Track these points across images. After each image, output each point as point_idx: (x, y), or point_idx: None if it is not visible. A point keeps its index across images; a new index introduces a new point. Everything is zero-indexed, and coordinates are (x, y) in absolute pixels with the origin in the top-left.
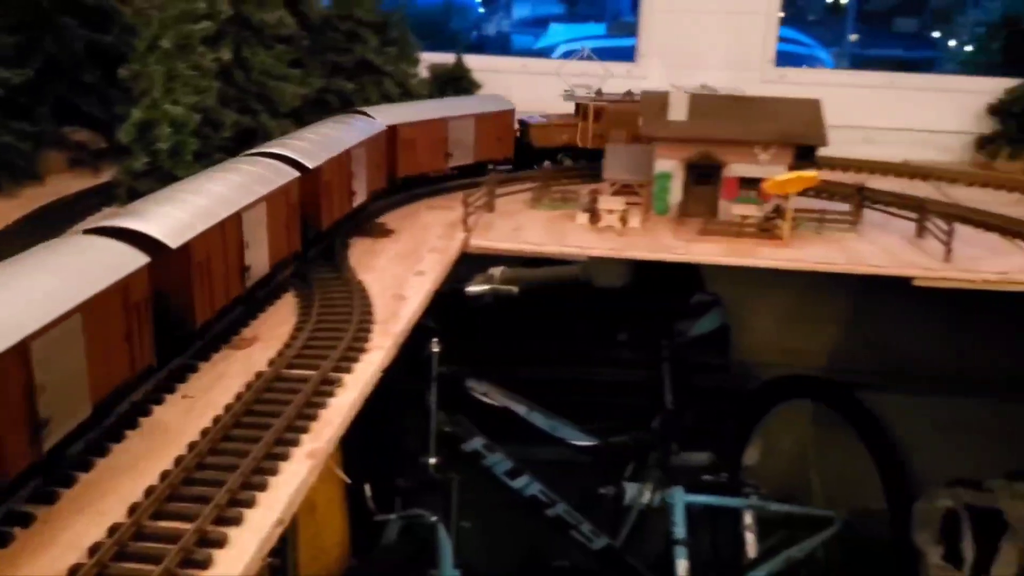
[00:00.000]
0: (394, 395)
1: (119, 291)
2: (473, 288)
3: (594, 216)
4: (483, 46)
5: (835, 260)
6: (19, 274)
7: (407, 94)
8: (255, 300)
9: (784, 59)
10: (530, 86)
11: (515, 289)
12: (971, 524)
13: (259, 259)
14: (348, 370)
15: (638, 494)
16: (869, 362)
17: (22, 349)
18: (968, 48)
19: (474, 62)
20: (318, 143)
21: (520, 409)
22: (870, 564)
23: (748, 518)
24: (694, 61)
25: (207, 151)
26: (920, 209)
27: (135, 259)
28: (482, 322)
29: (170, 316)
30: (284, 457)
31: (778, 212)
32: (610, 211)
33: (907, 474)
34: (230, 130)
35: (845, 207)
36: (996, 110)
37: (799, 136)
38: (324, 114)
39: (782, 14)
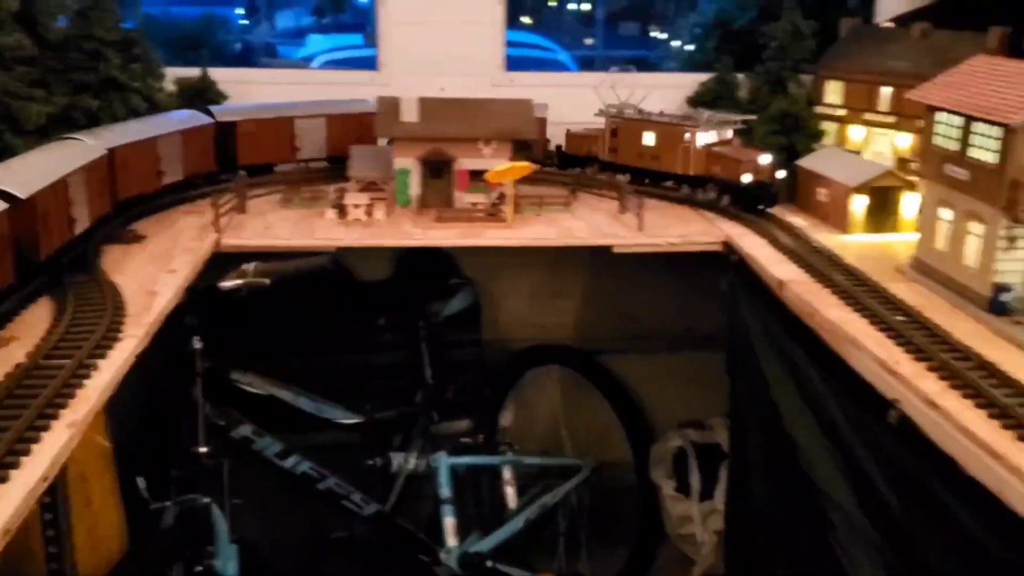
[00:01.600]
0: (163, 394)
1: None
2: (226, 283)
3: (342, 211)
4: (248, 58)
5: (550, 236)
6: None
7: (154, 108)
8: None
9: (529, 63)
10: (283, 96)
11: (267, 281)
12: (696, 458)
13: None
14: (103, 356)
15: (404, 462)
16: (610, 329)
17: None
18: (689, 47)
19: (220, 75)
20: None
21: (286, 395)
22: (617, 503)
23: (507, 473)
24: (432, 68)
25: None
26: (619, 190)
27: None
28: (247, 317)
29: None
30: (45, 428)
31: (502, 198)
32: (356, 206)
33: (645, 423)
34: None
35: (562, 191)
36: (693, 101)
37: (514, 132)
38: (72, 131)
39: (530, 21)
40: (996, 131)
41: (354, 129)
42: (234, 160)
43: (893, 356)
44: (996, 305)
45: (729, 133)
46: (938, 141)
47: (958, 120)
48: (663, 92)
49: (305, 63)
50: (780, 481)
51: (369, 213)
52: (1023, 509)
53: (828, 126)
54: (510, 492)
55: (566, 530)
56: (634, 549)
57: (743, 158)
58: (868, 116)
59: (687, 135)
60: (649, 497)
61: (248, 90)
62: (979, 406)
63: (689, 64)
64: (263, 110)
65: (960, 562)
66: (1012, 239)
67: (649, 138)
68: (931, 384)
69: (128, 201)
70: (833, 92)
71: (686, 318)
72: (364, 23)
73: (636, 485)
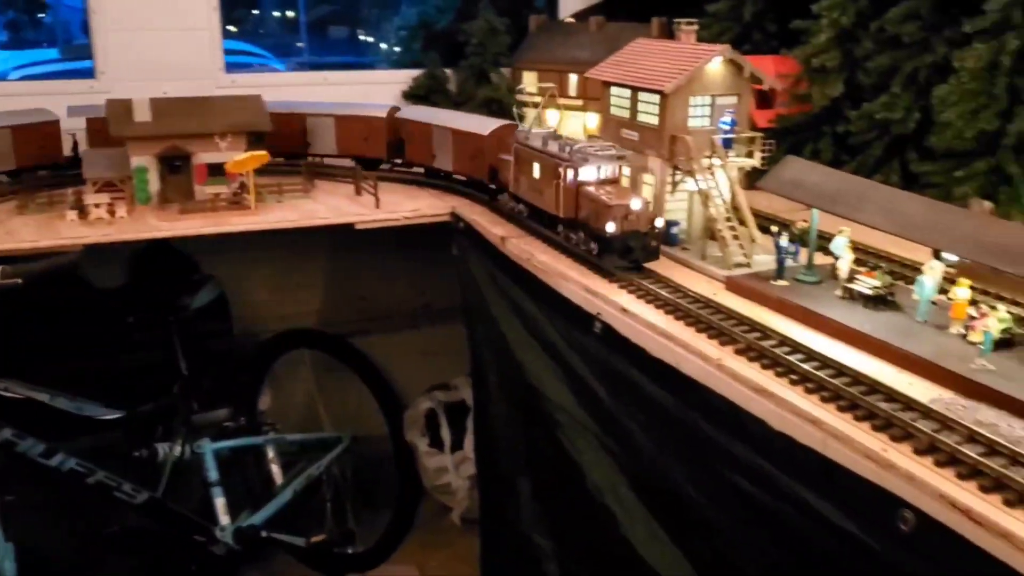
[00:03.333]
0: None
1: None
2: None
3: (83, 212)
4: None
5: (293, 218)
6: None
7: None
8: None
9: (242, 69)
10: None
11: (19, 280)
12: (446, 416)
13: None
14: None
15: (169, 451)
16: (354, 312)
17: None
18: (397, 49)
19: None
20: None
21: (43, 397)
22: (378, 469)
23: (271, 452)
24: (153, 74)
25: None
26: (355, 173)
27: None
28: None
29: None
30: None
31: (243, 188)
32: (97, 205)
33: (395, 394)
34: None
35: (301, 179)
36: (407, 95)
37: (248, 124)
38: None
39: (235, 29)
40: (655, 98)
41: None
42: None
43: (593, 282)
44: (670, 237)
45: (613, 169)
46: (614, 111)
47: (627, 92)
48: (379, 88)
49: None
50: (514, 401)
51: (111, 212)
52: (692, 373)
53: (528, 111)
54: (276, 469)
55: (332, 497)
56: (397, 508)
57: (609, 201)
58: (561, 100)
59: (561, 170)
60: (406, 459)
61: None
62: (658, 307)
63: (399, 64)
64: None
65: (653, 428)
66: (674, 184)
67: (536, 170)
68: (623, 298)
69: None
70: (529, 81)
71: (424, 295)
72: (52, 38)
73: (393, 450)
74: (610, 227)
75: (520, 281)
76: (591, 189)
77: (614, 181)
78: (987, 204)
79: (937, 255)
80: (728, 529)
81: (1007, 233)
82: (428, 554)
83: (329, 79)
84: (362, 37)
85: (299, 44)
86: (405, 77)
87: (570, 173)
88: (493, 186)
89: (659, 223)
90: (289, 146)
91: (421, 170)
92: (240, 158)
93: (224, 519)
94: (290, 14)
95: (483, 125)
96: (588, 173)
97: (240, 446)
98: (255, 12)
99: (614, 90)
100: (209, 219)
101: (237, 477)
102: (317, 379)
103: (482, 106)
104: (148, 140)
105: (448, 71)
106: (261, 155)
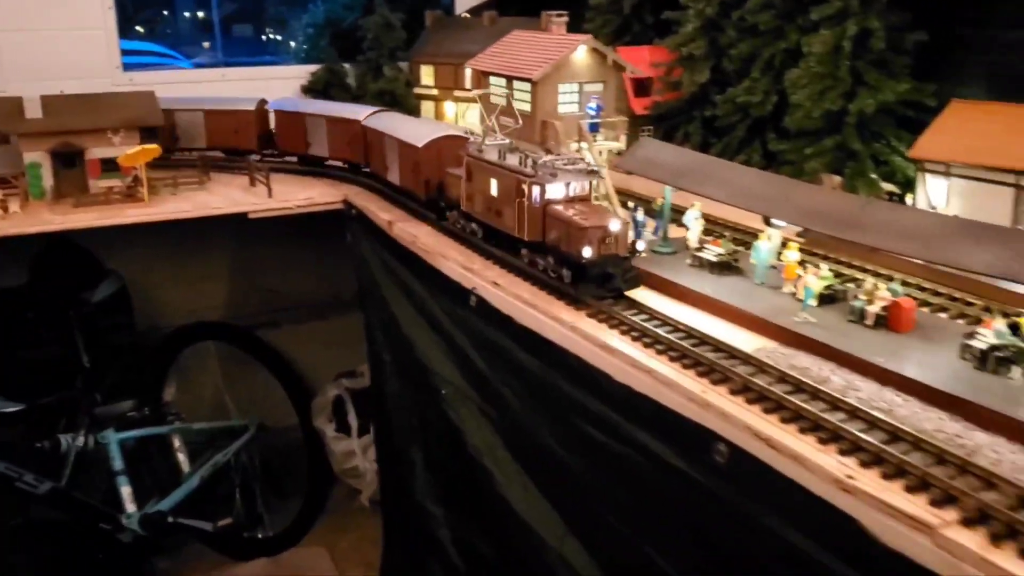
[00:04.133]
0: None
1: None
2: None
3: None
4: None
5: (187, 209)
6: None
7: None
8: None
9: (148, 69)
10: None
11: None
12: (352, 402)
13: None
14: None
15: (72, 441)
16: (262, 304)
17: None
18: (305, 47)
19: None
20: None
21: None
22: (289, 456)
23: (176, 441)
24: (48, 73)
25: None
26: (249, 165)
27: None
28: None
29: None
30: None
31: (137, 181)
32: None
33: (303, 383)
34: None
35: (196, 172)
36: (306, 89)
37: (141, 120)
38: None
39: (142, 30)
40: (527, 86)
41: None
42: None
43: (469, 259)
44: None
45: (583, 185)
46: (494, 99)
47: (503, 81)
48: (281, 83)
49: None
50: (406, 377)
51: (4, 207)
52: (552, 337)
53: (427, 104)
54: (182, 457)
55: (241, 484)
56: (308, 493)
57: (584, 223)
58: (457, 93)
59: (524, 187)
60: (315, 446)
61: None
62: (526, 279)
63: (307, 61)
64: None
65: (523, 391)
66: None
67: (495, 187)
68: (493, 273)
69: None
70: (426, 75)
71: (331, 287)
72: None
73: (303, 438)
74: (586, 252)
75: (408, 263)
76: (560, 208)
77: (584, 199)
78: (836, 179)
79: (767, 222)
80: (586, 477)
81: (829, 201)
82: (338, 536)
83: (228, 75)
84: (273, 36)
85: (205, 44)
86: (303, 72)
87: (535, 190)
88: (441, 204)
89: (640, 246)
90: (294, 146)
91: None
92: (132, 152)
93: (130, 507)
94: (201, 15)
95: (419, 134)
96: (556, 190)
97: (145, 436)
98: (165, 13)
99: (492, 79)
100: (103, 212)
101: (144, 467)
102: (224, 370)
103: (376, 98)
104: (40, 136)
105: (347, 65)
106: (153, 149)
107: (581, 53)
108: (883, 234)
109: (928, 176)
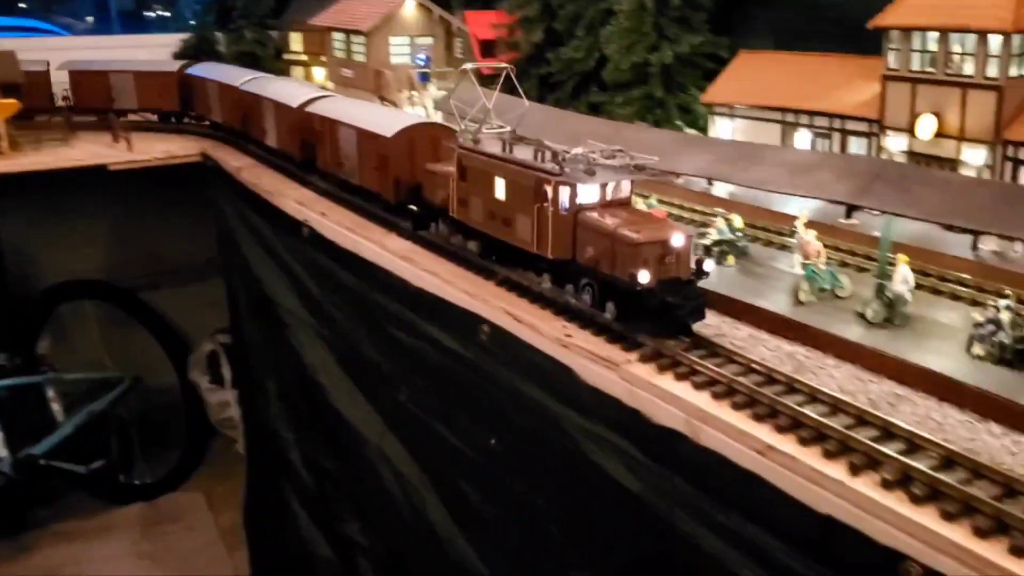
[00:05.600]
0: None
1: None
2: None
3: None
4: None
5: (47, 161)
6: None
7: None
8: None
9: None
10: None
11: None
12: (226, 355)
13: None
14: None
15: None
16: (145, 266)
17: None
18: (192, 22)
19: None
20: None
21: None
22: (170, 410)
23: (50, 391)
24: None
25: None
26: (111, 120)
27: None
28: None
29: None
30: None
31: None
32: None
33: (181, 340)
34: None
35: (61, 129)
36: (177, 55)
37: (1, 76)
38: None
39: (24, 6)
40: (361, 38)
41: None
42: None
43: (303, 195)
44: None
45: (626, 186)
46: (335, 52)
47: (342, 35)
48: (149, 51)
49: None
50: (258, 314)
51: None
52: (367, 255)
53: (297, 70)
54: (56, 407)
55: (118, 433)
56: (186, 444)
57: (638, 236)
58: (324, 58)
59: (547, 188)
60: (193, 401)
61: None
62: (347, 208)
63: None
64: None
65: (347, 308)
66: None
67: (500, 189)
68: (323, 206)
69: None
70: (295, 41)
71: (212, 251)
72: None
73: (182, 393)
74: (643, 277)
75: (256, 207)
76: (597, 216)
77: (626, 203)
78: (645, 126)
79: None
80: (397, 376)
81: (593, 128)
82: (215, 482)
83: (101, 44)
84: (161, 13)
85: (88, 19)
86: (176, 40)
87: (563, 193)
88: (417, 210)
89: (708, 266)
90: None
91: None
92: None
93: (2, 451)
94: None
95: (383, 122)
96: (590, 193)
97: (16, 385)
98: None
99: (335, 35)
100: None
101: (19, 415)
102: (103, 328)
103: (236, 59)
104: None
105: (219, 33)
106: (10, 103)
107: (410, 8)
108: (630, 149)
109: (717, 118)
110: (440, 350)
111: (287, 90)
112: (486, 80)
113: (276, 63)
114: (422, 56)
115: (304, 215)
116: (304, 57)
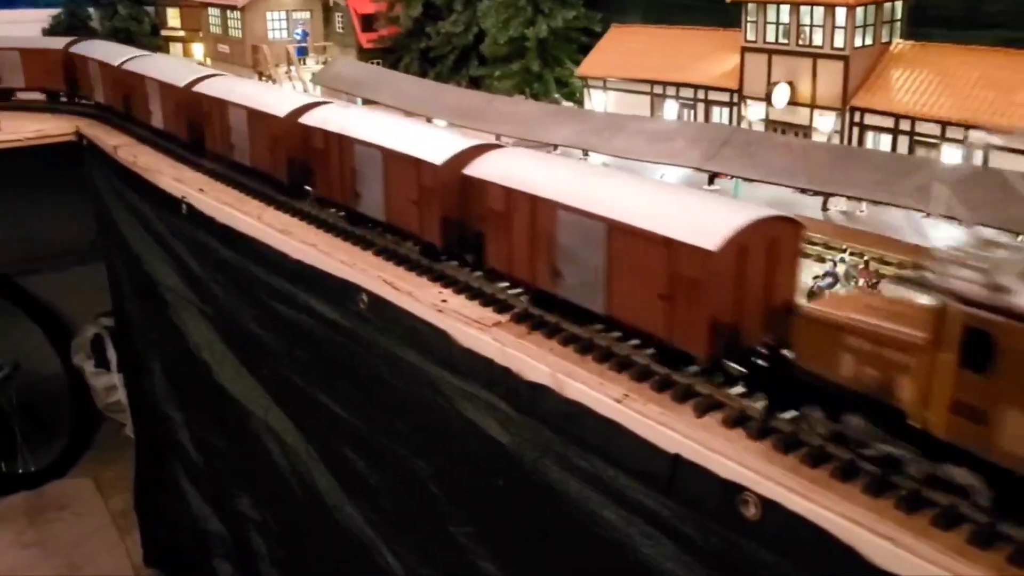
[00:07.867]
0: None
1: None
2: None
3: None
4: None
5: None
6: None
7: None
8: None
9: None
10: None
11: None
12: (111, 339)
13: None
14: None
15: None
16: (25, 252)
17: None
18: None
19: None
20: None
21: None
22: (53, 396)
23: None
24: None
25: None
26: None
27: None
28: None
29: None
30: None
31: None
32: None
33: (65, 325)
34: None
35: None
36: (47, 31)
37: None
38: None
39: None
40: (237, 13)
41: None
42: None
43: (178, 172)
44: None
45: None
46: (211, 29)
47: (217, 11)
48: (23, 27)
49: None
50: (140, 292)
51: None
52: (244, 230)
53: (175, 46)
54: None
55: None
56: (72, 430)
57: None
58: (202, 34)
59: None
60: (78, 387)
61: None
62: (227, 185)
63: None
64: None
65: (227, 284)
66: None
67: None
68: (202, 181)
69: None
70: (173, 17)
71: (91, 234)
72: None
73: (67, 379)
74: None
75: (134, 186)
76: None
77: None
78: (521, 99)
79: (430, 120)
80: (280, 349)
81: (468, 100)
82: (104, 467)
83: None
84: None
85: None
86: (46, 15)
87: None
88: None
89: None
90: None
91: None
92: None
93: None
94: None
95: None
96: None
97: None
98: None
99: (210, 10)
100: None
101: None
102: None
103: (110, 35)
104: None
105: (91, 9)
106: None
107: None
108: (500, 122)
109: (592, 91)
110: (320, 321)
111: (171, 68)
112: (366, 53)
113: (153, 39)
114: (299, 31)
115: (182, 191)
116: (182, 33)
